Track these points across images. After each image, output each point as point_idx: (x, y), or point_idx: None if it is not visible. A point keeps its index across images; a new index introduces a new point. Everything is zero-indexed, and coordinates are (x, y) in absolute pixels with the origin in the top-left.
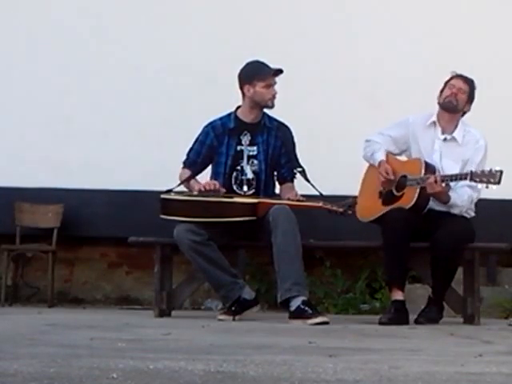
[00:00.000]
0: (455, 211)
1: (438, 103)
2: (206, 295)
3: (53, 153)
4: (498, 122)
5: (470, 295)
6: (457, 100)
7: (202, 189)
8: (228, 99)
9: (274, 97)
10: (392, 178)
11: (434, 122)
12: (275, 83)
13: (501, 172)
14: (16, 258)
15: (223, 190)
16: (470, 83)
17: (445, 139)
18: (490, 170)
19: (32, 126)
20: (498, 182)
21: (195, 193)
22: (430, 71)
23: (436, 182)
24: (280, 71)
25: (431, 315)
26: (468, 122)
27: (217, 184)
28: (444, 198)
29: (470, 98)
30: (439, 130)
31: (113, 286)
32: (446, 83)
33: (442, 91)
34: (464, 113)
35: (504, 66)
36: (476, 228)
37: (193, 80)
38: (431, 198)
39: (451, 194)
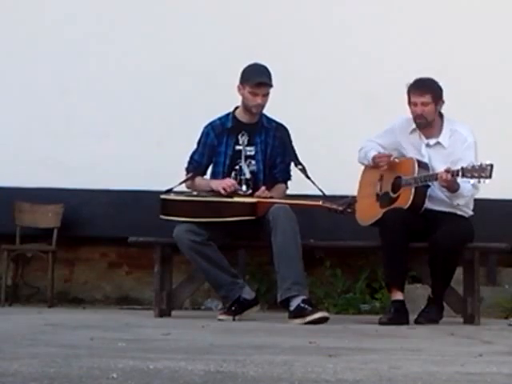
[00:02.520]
0: (461, 202)
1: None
2: (206, 295)
3: (53, 153)
4: (497, 122)
5: (469, 295)
6: (425, 117)
7: (222, 191)
8: (228, 99)
9: (258, 105)
10: (388, 154)
11: (416, 129)
12: (265, 94)
13: (491, 166)
14: (16, 258)
15: (238, 188)
16: (428, 88)
17: (428, 144)
18: (481, 165)
19: (32, 126)
20: (490, 176)
21: (194, 193)
22: (430, 71)
23: (448, 172)
24: (265, 84)
25: (431, 315)
26: (454, 119)
27: (235, 183)
28: (455, 185)
29: (437, 99)
30: (422, 135)
31: (113, 286)
32: (409, 95)
33: (409, 103)
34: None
35: (504, 66)
36: (476, 228)
37: (193, 80)
38: (428, 198)
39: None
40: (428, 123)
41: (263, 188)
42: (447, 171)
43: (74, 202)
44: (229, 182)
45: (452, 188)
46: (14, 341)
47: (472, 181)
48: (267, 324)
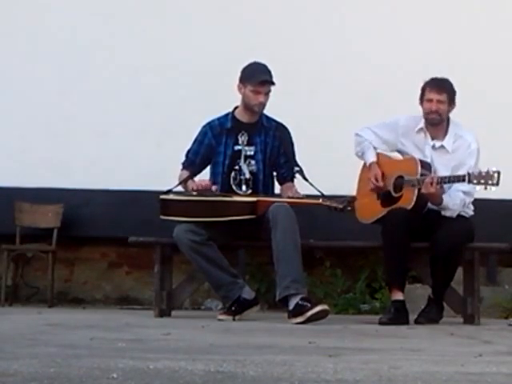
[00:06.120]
0: (447, 214)
1: (423, 114)
2: (206, 295)
3: (53, 153)
4: (497, 121)
5: (469, 295)
6: (439, 114)
7: (195, 187)
8: (228, 99)
9: (260, 104)
10: (381, 185)
11: (423, 129)
12: (267, 92)
13: (498, 173)
14: (16, 258)
15: (215, 187)
16: (445, 88)
17: (434, 146)
18: (488, 171)
19: (32, 126)
20: (497, 184)
21: (194, 193)
22: (430, 71)
23: (432, 184)
24: (268, 82)
25: (431, 315)
26: (460, 123)
27: (206, 181)
28: (437, 200)
29: (451, 100)
30: (428, 136)
31: (113, 286)
32: (423, 93)
33: (421, 100)
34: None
35: (501, 66)
36: (476, 228)
37: (193, 80)
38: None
39: (444, 197)
40: (440, 120)
41: (296, 190)
42: (431, 182)
43: (74, 202)
44: (200, 181)
45: (434, 202)
46: (14, 341)
47: (478, 187)
48: (267, 324)
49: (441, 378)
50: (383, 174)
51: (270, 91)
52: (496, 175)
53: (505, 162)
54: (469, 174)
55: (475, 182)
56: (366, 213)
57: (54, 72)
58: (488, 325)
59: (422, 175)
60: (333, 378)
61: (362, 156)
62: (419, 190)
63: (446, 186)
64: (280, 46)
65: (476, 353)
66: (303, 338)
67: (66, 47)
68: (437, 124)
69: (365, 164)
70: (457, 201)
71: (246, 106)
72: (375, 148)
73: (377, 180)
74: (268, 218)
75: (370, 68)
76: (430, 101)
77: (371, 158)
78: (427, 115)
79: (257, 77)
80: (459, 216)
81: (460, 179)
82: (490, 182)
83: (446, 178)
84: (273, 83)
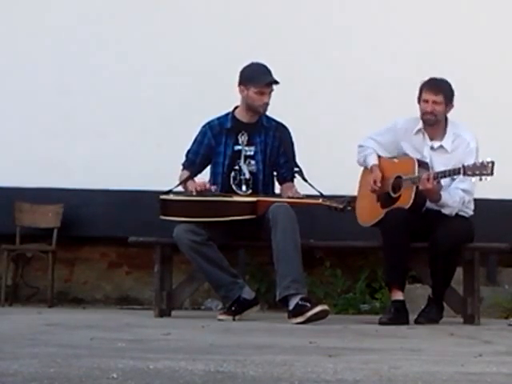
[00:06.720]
0: (446, 211)
1: (420, 114)
2: (206, 295)
3: (53, 153)
4: (497, 121)
5: (469, 295)
6: (435, 115)
7: (193, 190)
8: (228, 99)
9: (264, 104)
10: (377, 187)
11: (421, 130)
12: (270, 92)
13: (492, 163)
14: (16, 258)
15: (214, 187)
16: (442, 89)
17: (433, 147)
18: (482, 162)
19: (32, 127)
20: (491, 173)
21: (194, 193)
22: (430, 71)
23: (429, 179)
24: (275, 82)
25: (431, 315)
26: (458, 122)
27: (207, 184)
28: (435, 196)
29: (448, 100)
30: (427, 137)
31: (113, 285)
32: (420, 92)
33: (418, 100)
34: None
35: (501, 66)
36: (476, 228)
37: (193, 80)
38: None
39: (443, 194)
40: (436, 121)
41: (296, 190)
42: (428, 178)
43: (74, 202)
44: (199, 182)
45: (433, 198)
46: (14, 341)
47: (474, 179)
48: (267, 324)
49: (441, 377)
50: (383, 177)
51: (272, 90)
52: (490, 165)
53: (505, 162)
54: (463, 166)
55: (470, 173)
56: (366, 216)
57: (53, 72)
58: (488, 325)
59: (419, 174)
60: (333, 378)
61: (364, 161)
62: (417, 188)
63: (445, 184)
64: (280, 46)
65: (476, 353)
66: (303, 338)
67: (66, 47)
68: (432, 124)
69: (365, 169)
70: (456, 198)
71: (250, 106)
72: (379, 156)
73: (375, 183)
74: (268, 217)
75: (370, 68)
76: (426, 101)
77: (372, 161)
78: (422, 115)
79: (261, 78)
80: (459, 216)
81: (456, 172)
82: (484, 173)
83: (442, 172)
84: (277, 82)
